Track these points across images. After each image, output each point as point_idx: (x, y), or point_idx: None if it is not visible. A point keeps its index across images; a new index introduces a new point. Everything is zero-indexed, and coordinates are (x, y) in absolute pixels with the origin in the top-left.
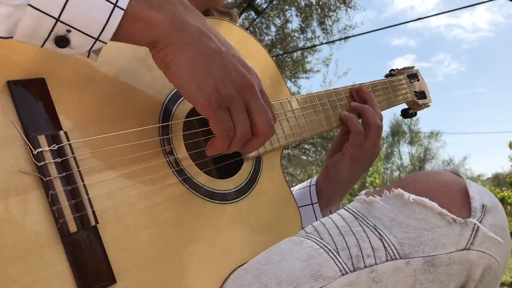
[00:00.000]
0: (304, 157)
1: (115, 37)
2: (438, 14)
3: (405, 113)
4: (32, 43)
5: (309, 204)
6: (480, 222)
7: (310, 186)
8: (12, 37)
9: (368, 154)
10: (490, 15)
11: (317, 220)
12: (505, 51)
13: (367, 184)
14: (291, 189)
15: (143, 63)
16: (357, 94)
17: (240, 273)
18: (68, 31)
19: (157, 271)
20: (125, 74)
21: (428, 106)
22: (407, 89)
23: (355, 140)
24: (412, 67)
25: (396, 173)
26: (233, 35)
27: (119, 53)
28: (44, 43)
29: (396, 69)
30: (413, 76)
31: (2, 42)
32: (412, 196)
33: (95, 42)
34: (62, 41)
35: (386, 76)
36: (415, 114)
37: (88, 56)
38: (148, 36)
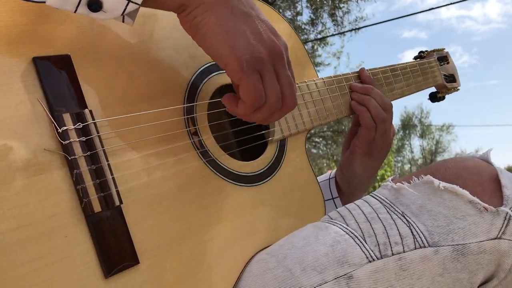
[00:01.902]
0: (315, 151)
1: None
2: (449, 4)
3: (433, 97)
4: (65, 8)
5: (330, 199)
6: None
7: (329, 179)
8: (44, 2)
9: (380, 147)
10: (502, 6)
11: None
12: None
13: (378, 178)
14: None
15: (169, 45)
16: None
17: (263, 256)
18: None
19: (180, 252)
20: (151, 54)
21: (457, 90)
22: (437, 72)
23: (366, 136)
24: (443, 49)
25: (407, 166)
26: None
27: (146, 32)
28: (77, 8)
29: (426, 50)
30: (443, 58)
31: (29, 19)
32: (443, 184)
33: (127, 4)
34: (95, 5)
35: (415, 58)
36: (443, 98)
37: (123, 21)
38: None
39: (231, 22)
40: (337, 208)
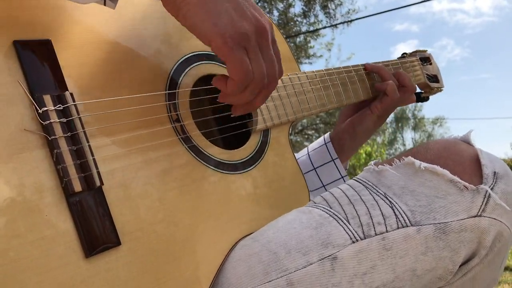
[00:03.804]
0: (307, 143)
1: None
2: None
3: (418, 97)
4: None
5: (330, 161)
6: (491, 189)
7: (326, 144)
8: None
9: (388, 114)
10: None
11: (340, 174)
12: (509, 36)
13: None
14: (306, 149)
15: (152, 33)
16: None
17: (248, 242)
18: None
19: (162, 235)
20: (133, 41)
21: (440, 90)
22: (419, 71)
23: (388, 103)
24: (425, 51)
25: None
26: None
27: (128, 20)
28: None
29: (408, 52)
30: (425, 59)
31: (11, 2)
32: (424, 164)
33: None
34: None
35: (399, 58)
36: (428, 98)
37: (104, 4)
38: None
39: (213, 0)
40: (338, 169)
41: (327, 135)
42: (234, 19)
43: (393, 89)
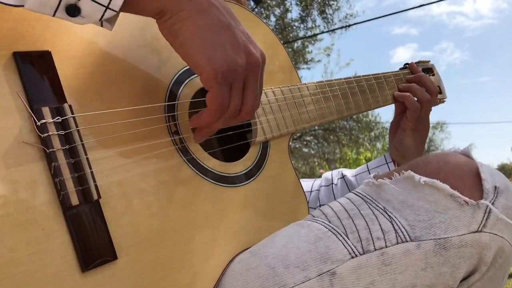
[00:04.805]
0: (306, 150)
1: (125, 6)
2: (440, 0)
3: None
4: (43, 12)
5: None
6: (492, 204)
7: (387, 163)
8: (23, 5)
9: (424, 121)
10: (493, 1)
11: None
12: (509, 38)
13: None
14: (366, 164)
15: (151, 45)
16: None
17: (246, 256)
18: None
19: (160, 250)
20: (132, 54)
21: (443, 101)
22: None
23: (413, 115)
24: (428, 61)
25: None
26: (243, 18)
27: (127, 31)
28: (55, 12)
29: (410, 62)
30: (428, 70)
31: (10, 14)
32: (423, 178)
33: (105, 10)
34: (73, 10)
35: (401, 69)
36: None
37: (101, 25)
38: (157, 4)
39: (210, 32)
40: None
41: (387, 154)
42: (229, 55)
43: (411, 100)
